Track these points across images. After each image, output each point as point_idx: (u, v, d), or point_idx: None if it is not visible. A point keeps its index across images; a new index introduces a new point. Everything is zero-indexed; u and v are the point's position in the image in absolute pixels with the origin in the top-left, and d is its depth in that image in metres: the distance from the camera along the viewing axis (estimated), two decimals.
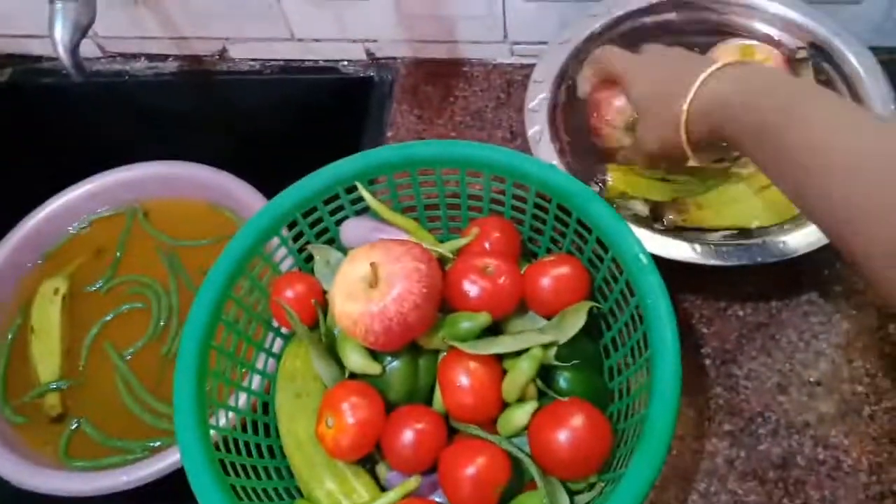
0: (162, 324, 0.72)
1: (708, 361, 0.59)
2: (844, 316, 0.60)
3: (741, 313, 0.61)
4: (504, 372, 0.50)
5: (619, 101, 0.59)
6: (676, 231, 0.57)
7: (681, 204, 0.58)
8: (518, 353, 0.50)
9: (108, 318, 0.73)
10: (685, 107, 0.47)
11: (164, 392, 0.67)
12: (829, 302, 0.60)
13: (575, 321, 0.52)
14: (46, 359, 0.70)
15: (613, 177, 0.59)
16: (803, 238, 0.55)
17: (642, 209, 0.60)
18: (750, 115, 0.44)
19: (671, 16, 0.67)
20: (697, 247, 0.55)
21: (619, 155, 0.60)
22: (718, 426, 0.56)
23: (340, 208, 0.59)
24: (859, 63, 0.60)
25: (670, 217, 0.58)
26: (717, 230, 0.58)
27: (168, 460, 0.59)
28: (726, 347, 0.59)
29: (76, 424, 0.66)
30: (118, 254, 0.77)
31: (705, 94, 0.47)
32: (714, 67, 0.47)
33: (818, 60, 0.64)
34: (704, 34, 0.67)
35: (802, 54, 0.63)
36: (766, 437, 0.55)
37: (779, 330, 0.59)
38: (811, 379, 0.57)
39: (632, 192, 0.60)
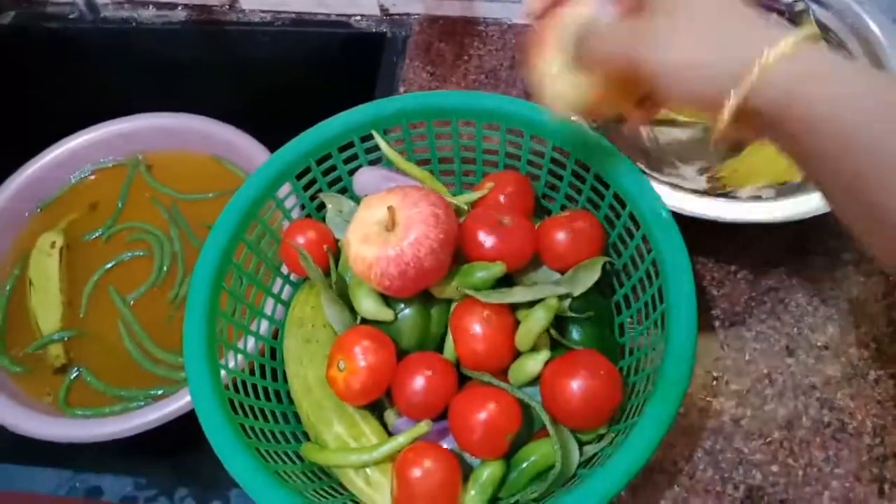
0: (165, 269, 0.72)
1: (717, 323, 0.59)
2: (853, 282, 0.60)
3: (751, 277, 0.61)
4: (517, 323, 0.50)
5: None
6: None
7: (714, 170, 0.57)
8: (531, 305, 0.50)
9: (110, 265, 0.72)
10: (734, 101, 0.33)
11: (168, 339, 0.67)
12: (838, 268, 0.60)
13: (589, 275, 0.52)
14: (47, 311, 0.69)
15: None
16: (819, 200, 0.55)
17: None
18: (840, 134, 0.31)
19: None
20: (714, 202, 0.54)
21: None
22: (726, 386, 0.56)
23: (354, 157, 0.59)
24: (883, 35, 0.60)
25: (711, 183, 0.56)
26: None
27: (169, 408, 0.58)
28: (736, 310, 0.59)
29: (77, 373, 0.66)
30: (119, 204, 0.76)
31: (769, 85, 0.33)
32: (783, 46, 0.32)
33: (814, 12, 0.63)
34: None
35: (801, 6, 0.62)
36: (773, 398, 0.56)
37: (788, 294, 0.60)
38: (818, 343, 0.57)
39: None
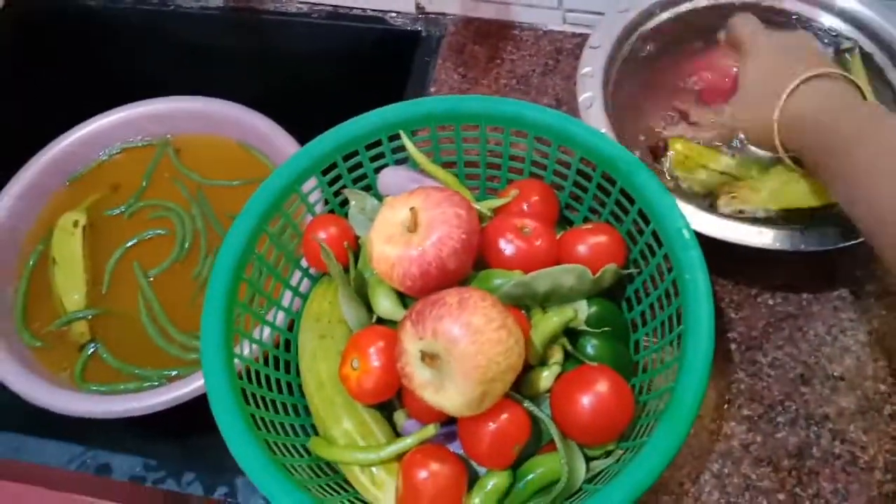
0: (187, 245, 0.72)
1: (733, 346, 0.59)
2: (874, 315, 0.59)
3: (771, 301, 0.60)
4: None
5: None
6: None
7: (733, 186, 0.57)
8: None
9: (132, 243, 0.73)
10: (776, 116, 0.52)
11: (189, 318, 0.68)
12: (860, 299, 0.60)
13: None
14: (71, 289, 0.70)
15: (677, 150, 0.59)
16: (844, 232, 0.54)
17: (698, 189, 0.59)
18: (823, 134, 0.50)
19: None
20: (740, 226, 0.54)
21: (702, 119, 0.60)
22: (738, 410, 0.56)
23: (381, 156, 0.59)
24: None
25: (723, 198, 0.57)
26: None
27: (182, 390, 0.59)
28: (753, 334, 0.59)
29: (94, 349, 0.67)
30: (144, 183, 0.77)
31: (791, 107, 0.52)
32: (799, 80, 0.51)
33: (865, 51, 0.63)
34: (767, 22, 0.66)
35: (847, 45, 0.62)
36: (784, 426, 0.55)
37: (807, 322, 0.59)
38: (835, 373, 0.57)
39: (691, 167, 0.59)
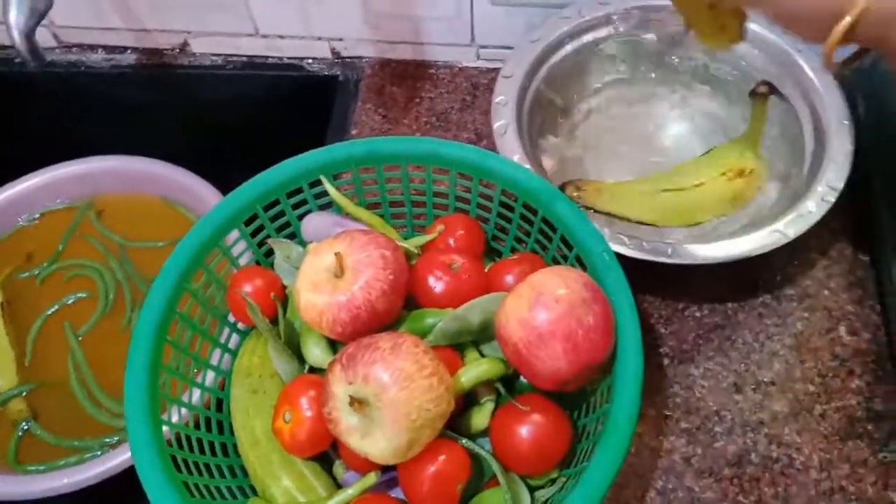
0: (111, 297, 0.71)
1: (666, 360, 0.60)
2: (797, 318, 0.61)
3: (698, 314, 0.62)
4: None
5: None
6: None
7: (581, 182, 0.59)
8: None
9: (53, 309, 0.71)
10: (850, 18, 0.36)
11: (121, 380, 0.65)
12: (782, 304, 0.62)
13: None
14: (0, 369, 0.67)
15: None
16: (750, 242, 0.56)
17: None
18: None
19: (637, 23, 0.68)
20: (645, 244, 0.55)
21: None
22: (676, 424, 0.57)
23: (303, 202, 0.58)
24: (817, 78, 0.62)
25: (570, 193, 0.59)
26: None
27: (117, 459, 0.57)
28: (683, 347, 0.60)
29: (26, 427, 0.64)
30: (60, 247, 0.75)
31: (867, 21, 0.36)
32: None
33: (774, 93, 0.65)
34: (665, 47, 0.68)
35: (763, 90, 0.65)
36: (722, 436, 0.56)
37: (734, 331, 0.61)
38: (765, 379, 0.58)
39: None
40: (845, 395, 0.57)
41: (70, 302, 0.71)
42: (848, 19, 0.36)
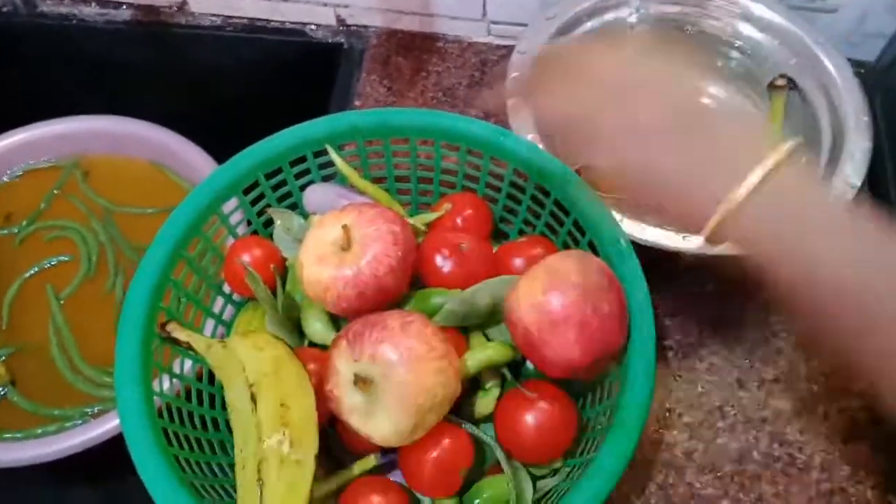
0: (94, 259, 0.68)
1: (671, 353, 0.59)
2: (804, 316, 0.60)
3: (705, 308, 0.61)
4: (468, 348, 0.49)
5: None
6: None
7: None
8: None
9: (32, 272, 0.68)
10: (713, 221, 0.35)
11: (101, 347, 0.63)
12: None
13: None
14: None
15: None
16: None
17: None
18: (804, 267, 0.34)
19: (656, 7, 0.66)
20: (670, 232, 0.54)
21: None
22: (678, 418, 0.56)
23: (306, 172, 0.56)
24: (837, 73, 0.61)
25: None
26: None
27: (97, 430, 0.55)
28: (689, 341, 0.59)
29: (2, 392, 0.61)
30: (42, 205, 0.72)
31: (750, 215, 0.34)
32: (763, 171, 0.34)
33: (792, 87, 0.64)
34: (683, 33, 0.67)
35: (781, 82, 0.64)
36: (724, 432, 0.55)
37: (740, 326, 0.60)
38: (769, 376, 0.58)
39: None
40: (849, 397, 0.56)
41: (50, 266, 0.69)
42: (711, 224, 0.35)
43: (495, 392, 0.48)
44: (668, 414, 0.56)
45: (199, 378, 0.51)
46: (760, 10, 0.64)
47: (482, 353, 0.47)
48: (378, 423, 0.42)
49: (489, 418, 0.48)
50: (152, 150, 0.73)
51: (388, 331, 0.41)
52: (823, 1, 0.67)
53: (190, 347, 0.47)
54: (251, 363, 0.42)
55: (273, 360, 0.43)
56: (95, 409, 0.60)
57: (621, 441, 0.42)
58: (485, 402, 0.47)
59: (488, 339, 0.50)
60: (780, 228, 0.35)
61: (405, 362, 0.40)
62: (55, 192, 0.73)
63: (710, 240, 0.37)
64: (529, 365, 0.50)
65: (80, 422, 0.59)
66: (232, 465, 0.48)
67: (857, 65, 0.69)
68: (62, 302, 0.66)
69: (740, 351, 0.59)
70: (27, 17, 0.79)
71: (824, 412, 0.56)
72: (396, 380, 0.40)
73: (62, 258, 0.69)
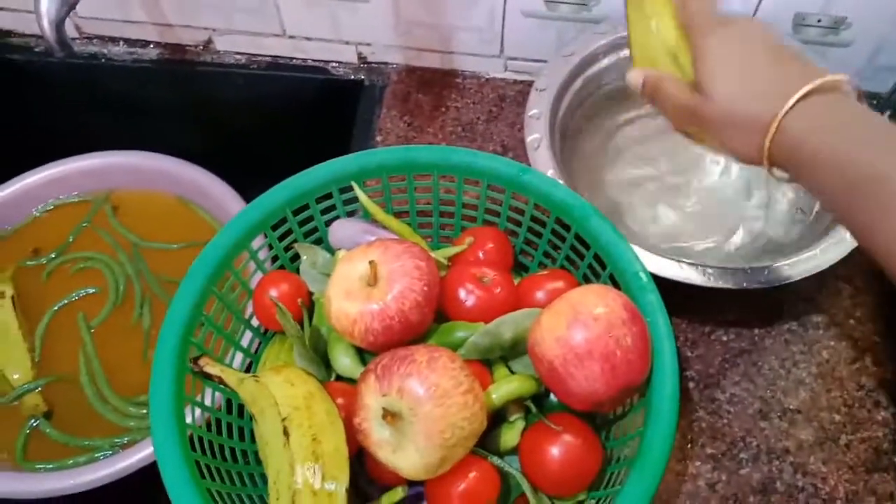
0: (122, 289, 0.70)
1: (692, 384, 0.59)
2: (823, 346, 0.61)
3: (725, 338, 0.61)
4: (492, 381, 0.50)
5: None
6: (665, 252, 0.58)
7: None
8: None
9: (62, 304, 0.70)
10: (766, 141, 0.40)
11: (131, 377, 0.65)
12: (809, 332, 0.61)
13: None
14: (12, 363, 0.66)
15: None
16: (789, 268, 0.56)
17: None
18: (841, 169, 0.37)
19: None
20: (684, 266, 0.55)
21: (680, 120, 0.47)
22: (701, 449, 0.56)
23: (332, 208, 0.58)
24: None
25: None
26: None
27: (134, 458, 0.56)
28: (710, 371, 0.60)
29: (35, 424, 0.62)
30: (70, 238, 0.74)
31: (789, 129, 0.39)
32: (801, 94, 0.39)
33: None
34: None
35: None
36: (748, 462, 0.56)
37: (761, 357, 0.60)
38: (791, 406, 0.58)
39: None
40: (871, 426, 0.57)
41: (78, 297, 0.70)
42: (767, 142, 0.40)
43: (520, 425, 0.49)
44: (690, 445, 0.56)
45: (229, 410, 0.52)
46: None
47: (507, 386, 0.48)
48: (406, 456, 0.42)
49: (514, 450, 0.48)
50: (179, 185, 0.74)
51: (416, 365, 0.42)
52: (836, 35, 0.68)
53: (222, 381, 0.48)
54: (283, 398, 0.43)
55: (305, 396, 0.43)
56: (125, 439, 0.61)
57: (646, 474, 0.42)
58: (510, 435, 0.48)
59: (511, 372, 0.51)
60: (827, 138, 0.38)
61: (432, 397, 0.41)
62: (84, 225, 0.75)
63: (771, 163, 0.41)
64: (553, 397, 0.51)
65: (110, 452, 0.61)
66: (261, 497, 0.49)
67: (870, 96, 0.71)
68: (93, 331, 0.68)
69: (761, 381, 0.59)
70: (58, 57, 0.81)
71: (847, 442, 0.56)
72: (424, 414, 0.41)
73: (89, 290, 0.71)
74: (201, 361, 0.48)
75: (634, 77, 0.48)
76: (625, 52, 0.66)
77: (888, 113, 0.67)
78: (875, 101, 0.71)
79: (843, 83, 0.40)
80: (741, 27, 0.43)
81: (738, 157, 0.43)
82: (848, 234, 0.55)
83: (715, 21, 0.43)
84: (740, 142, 0.42)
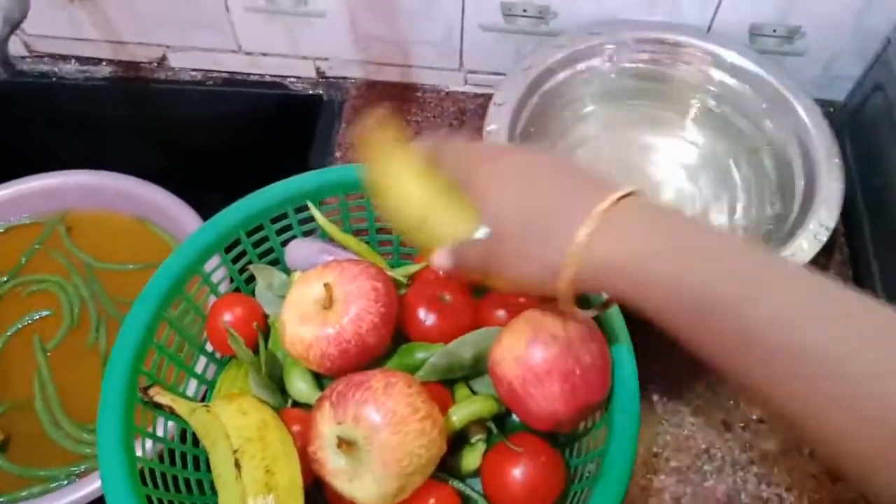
0: (76, 311, 0.68)
1: (655, 397, 0.59)
2: None
3: (688, 351, 0.61)
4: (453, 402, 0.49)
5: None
6: None
7: None
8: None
9: (13, 329, 0.67)
10: (567, 260, 0.35)
11: (86, 401, 0.62)
12: None
13: None
14: None
15: None
16: None
17: None
18: (681, 286, 0.33)
19: (629, 55, 0.68)
20: None
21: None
22: (666, 462, 0.56)
23: (287, 228, 0.56)
24: (808, 117, 0.62)
25: None
26: None
27: (90, 487, 0.54)
28: (673, 384, 0.59)
29: None
30: (22, 260, 0.71)
31: (601, 245, 0.34)
32: (609, 202, 0.34)
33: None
34: (657, 80, 0.68)
35: None
36: (712, 475, 0.55)
37: None
38: (754, 417, 0.58)
39: None
40: None
41: (32, 321, 0.68)
42: (567, 277, 0.35)
43: (481, 447, 0.48)
44: (655, 458, 0.56)
45: (183, 440, 0.51)
46: (731, 57, 0.66)
47: (467, 407, 0.47)
48: (363, 485, 0.41)
49: (476, 473, 0.48)
50: (136, 205, 0.73)
51: (372, 392, 0.41)
52: (792, 45, 0.69)
53: (172, 411, 0.47)
54: (235, 429, 0.42)
55: (258, 425, 0.42)
56: (82, 467, 0.59)
57: (609, 491, 0.42)
58: (472, 458, 0.47)
59: (473, 392, 0.50)
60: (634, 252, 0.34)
61: (389, 424, 0.40)
62: (37, 247, 0.72)
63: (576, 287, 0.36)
64: (515, 417, 0.50)
65: (65, 482, 0.58)
66: None
67: (826, 104, 0.71)
68: (48, 354, 0.66)
69: (724, 392, 0.59)
70: (7, 76, 0.79)
71: (810, 451, 0.56)
72: (380, 442, 0.40)
73: (43, 313, 0.69)
74: (151, 391, 0.47)
75: (442, 259, 0.42)
76: (580, 65, 0.66)
77: (842, 122, 0.68)
78: (832, 110, 0.72)
79: (637, 194, 0.36)
80: (508, 158, 0.40)
81: (540, 288, 0.38)
82: (805, 244, 0.56)
83: (481, 157, 0.40)
84: (540, 270, 0.37)
